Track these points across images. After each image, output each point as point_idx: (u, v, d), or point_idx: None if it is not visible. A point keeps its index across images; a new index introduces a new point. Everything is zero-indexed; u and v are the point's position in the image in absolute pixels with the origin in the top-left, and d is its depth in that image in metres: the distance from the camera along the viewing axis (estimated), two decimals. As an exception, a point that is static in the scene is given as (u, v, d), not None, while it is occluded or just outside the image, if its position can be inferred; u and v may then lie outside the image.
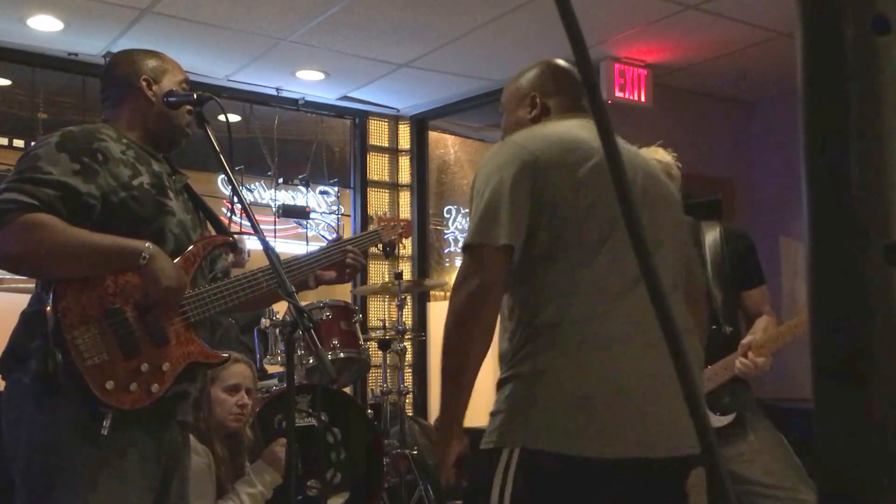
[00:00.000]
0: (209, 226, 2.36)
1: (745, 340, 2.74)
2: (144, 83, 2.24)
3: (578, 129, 1.94)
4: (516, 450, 1.77)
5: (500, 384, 1.86)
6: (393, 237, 2.74)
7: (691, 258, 2.10)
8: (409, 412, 5.98)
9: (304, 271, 2.36)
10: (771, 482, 2.64)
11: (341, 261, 2.43)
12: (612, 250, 1.82)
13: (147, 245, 2.03)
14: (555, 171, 1.85)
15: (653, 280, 0.59)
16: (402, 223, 2.79)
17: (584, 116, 2.03)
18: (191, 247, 2.18)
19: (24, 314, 2.09)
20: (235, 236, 2.46)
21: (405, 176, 6.95)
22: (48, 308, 1.96)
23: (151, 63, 2.28)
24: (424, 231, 6.90)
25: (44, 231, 1.96)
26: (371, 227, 2.76)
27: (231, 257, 2.51)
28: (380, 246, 2.74)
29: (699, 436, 0.60)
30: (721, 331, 2.81)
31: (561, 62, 2.18)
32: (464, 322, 1.80)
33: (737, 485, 2.63)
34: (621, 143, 2.02)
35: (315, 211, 6.57)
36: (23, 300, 2.17)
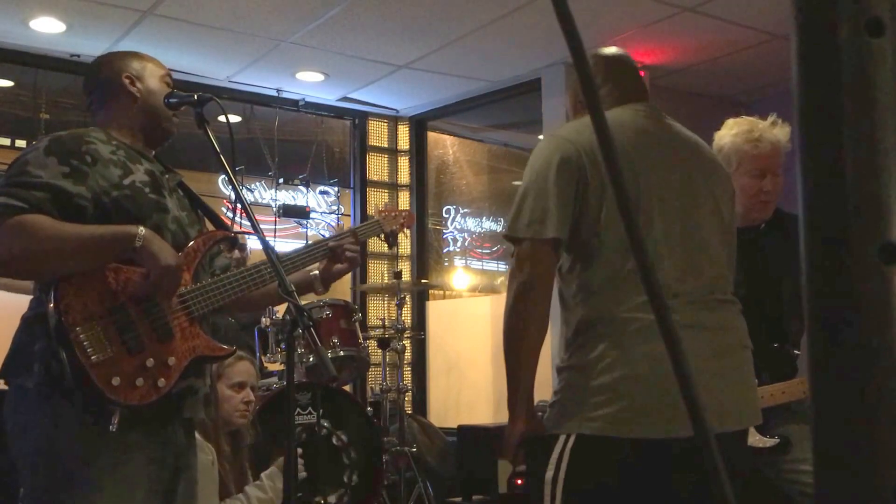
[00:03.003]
0: (207, 222, 2.35)
1: None
2: (127, 80, 2.24)
3: (624, 119, 1.99)
4: (572, 435, 1.84)
5: (559, 371, 1.95)
6: (394, 227, 2.73)
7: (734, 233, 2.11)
8: (409, 410, 6.01)
9: (298, 265, 2.34)
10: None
11: (339, 251, 2.40)
12: (654, 240, 1.89)
13: (140, 228, 2.01)
14: (597, 164, 1.90)
15: (647, 273, 0.60)
16: (403, 213, 2.76)
17: (636, 102, 2.08)
18: (191, 242, 2.18)
19: (24, 318, 2.07)
20: (236, 233, 2.46)
21: (404, 176, 6.97)
22: (50, 306, 1.94)
23: (131, 61, 2.29)
24: (424, 231, 6.93)
25: (34, 229, 1.95)
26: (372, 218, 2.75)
27: (236, 252, 2.51)
28: (382, 236, 2.73)
29: (693, 421, 0.61)
30: (787, 349, 2.67)
31: (610, 51, 2.20)
32: (516, 314, 1.91)
33: (802, 494, 2.57)
34: (679, 128, 2.08)
35: (315, 211, 6.58)
36: (22, 301, 2.16)
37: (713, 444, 0.62)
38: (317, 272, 2.43)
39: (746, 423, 2.00)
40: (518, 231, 1.92)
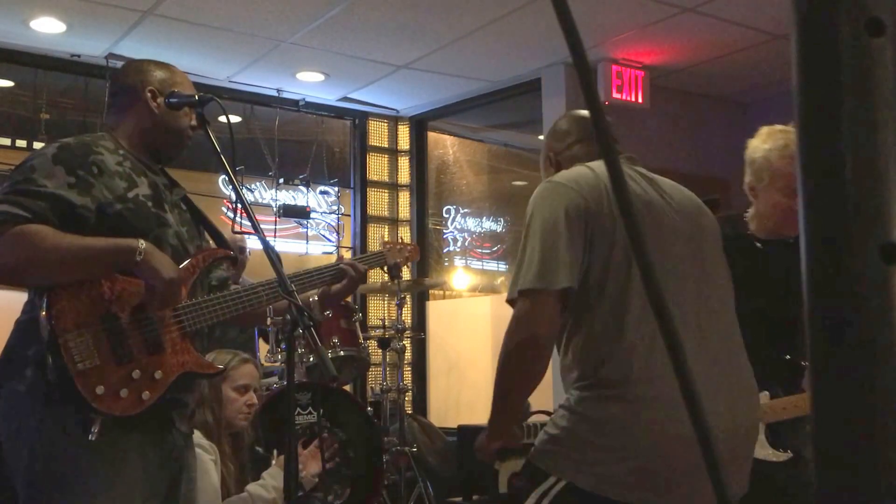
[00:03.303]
0: (209, 238, 2.35)
1: None
2: (150, 94, 2.21)
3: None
4: (563, 481, 1.82)
5: (564, 407, 1.91)
6: (398, 259, 2.74)
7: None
8: (409, 410, 6.01)
9: (300, 287, 2.33)
10: None
11: (341, 275, 2.43)
12: (667, 287, 1.86)
13: (141, 242, 2.01)
14: (600, 213, 1.87)
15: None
16: (408, 246, 2.78)
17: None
18: (191, 258, 2.17)
19: (18, 322, 2.07)
20: (236, 235, 2.46)
21: (404, 176, 6.97)
22: (43, 313, 1.94)
23: (160, 75, 2.26)
24: (424, 231, 6.93)
25: (36, 239, 1.95)
26: (375, 237, 2.78)
27: (231, 270, 2.51)
28: (385, 268, 2.74)
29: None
30: (797, 361, 2.62)
31: (582, 112, 2.22)
32: (513, 370, 1.88)
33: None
34: (661, 182, 2.06)
35: (315, 211, 6.59)
36: (16, 298, 2.16)
37: (714, 446, 0.62)
38: (315, 297, 2.45)
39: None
40: (527, 282, 1.84)
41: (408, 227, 6.91)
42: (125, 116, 2.25)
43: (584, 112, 2.20)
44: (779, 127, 2.66)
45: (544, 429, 1.92)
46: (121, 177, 2.11)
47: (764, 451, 2.48)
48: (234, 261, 2.38)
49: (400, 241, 3.00)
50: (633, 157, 2.13)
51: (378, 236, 6.74)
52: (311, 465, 3.25)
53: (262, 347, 4.53)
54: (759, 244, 2.73)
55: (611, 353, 1.84)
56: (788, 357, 2.58)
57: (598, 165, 1.96)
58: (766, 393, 2.50)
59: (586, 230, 1.86)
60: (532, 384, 1.89)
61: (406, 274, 6.51)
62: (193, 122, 2.27)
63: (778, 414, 2.48)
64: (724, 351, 1.96)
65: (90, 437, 1.92)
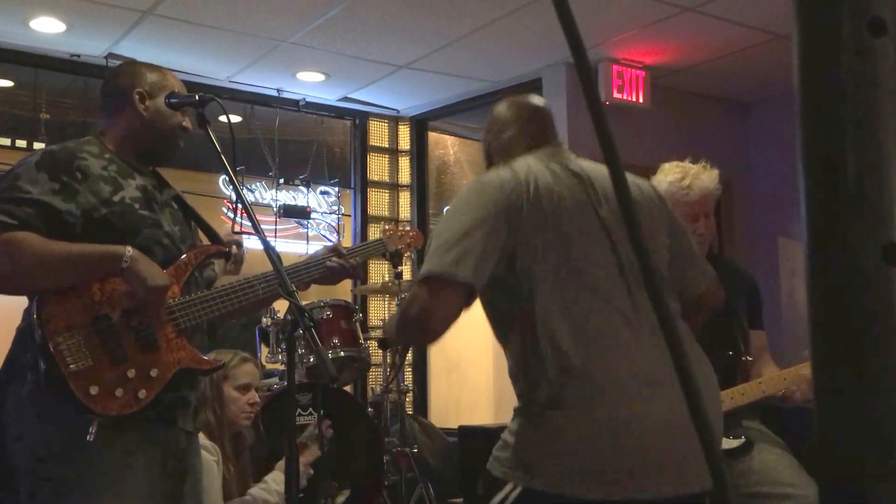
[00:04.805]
0: (202, 235, 2.35)
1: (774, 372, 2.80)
2: (137, 96, 2.22)
3: (540, 171, 1.92)
4: (518, 487, 1.81)
5: (515, 413, 1.90)
6: (399, 246, 2.70)
7: (685, 272, 2.05)
8: (410, 410, 6.01)
9: (295, 281, 2.31)
10: (781, 488, 2.68)
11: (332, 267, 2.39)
12: (597, 284, 1.84)
13: (128, 249, 2.02)
14: (525, 210, 1.84)
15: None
16: (410, 232, 2.74)
17: (547, 152, 2.00)
18: (183, 255, 2.18)
19: (18, 329, 2.08)
20: (235, 235, 2.46)
21: (405, 176, 6.97)
22: (34, 317, 1.96)
23: (151, 77, 2.26)
24: (424, 231, 6.93)
25: (22, 247, 1.96)
26: (376, 236, 2.70)
27: (229, 266, 2.49)
28: (387, 255, 2.70)
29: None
30: (741, 356, 2.86)
31: (519, 99, 2.16)
32: (402, 337, 1.96)
33: (747, 496, 2.68)
34: (585, 162, 2.00)
35: (316, 211, 6.59)
36: (16, 305, 2.15)
37: (719, 454, 0.62)
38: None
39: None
40: (431, 267, 1.84)
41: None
42: (115, 119, 2.25)
43: (524, 99, 2.14)
44: (675, 163, 2.98)
45: (501, 436, 1.91)
46: (105, 181, 2.11)
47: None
48: (227, 256, 2.38)
49: (401, 226, 2.95)
50: (560, 146, 2.06)
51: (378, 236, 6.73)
52: (305, 453, 3.24)
53: (263, 348, 4.53)
54: None
55: (548, 354, 1.82)
56: (731, 353, 2.82)
57: (521, 165, 1.93)
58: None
59: (508, 226, 1.83)
60: (418, 347, 1.99)
61: (407, 274, 6.51)
62: (185, 123, 2.27)
63: (725, 404, 2.69)
64: (661, 344, 1.92)
65: (88, 438, 1.93)
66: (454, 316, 1.86)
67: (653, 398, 1.77)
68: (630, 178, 2.02)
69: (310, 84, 6.13)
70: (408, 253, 2.71)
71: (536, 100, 2.17)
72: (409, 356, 6.36)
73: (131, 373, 2.01)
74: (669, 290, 1.99)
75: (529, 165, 1.93)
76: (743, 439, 2.74)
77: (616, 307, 1.84)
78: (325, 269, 2.40)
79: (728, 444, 2.74)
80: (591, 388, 1.79)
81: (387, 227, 2.74)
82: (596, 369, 1.79)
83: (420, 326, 1.85)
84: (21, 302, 2.10)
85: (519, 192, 1.87)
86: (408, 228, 2.79)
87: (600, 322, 1.82)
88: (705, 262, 2.15)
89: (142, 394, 2.01)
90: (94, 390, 1.94)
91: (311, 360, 4.17)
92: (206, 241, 2.37)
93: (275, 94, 6.26)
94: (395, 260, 2.68)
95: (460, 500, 5.11)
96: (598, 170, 1.99)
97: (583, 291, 1.84)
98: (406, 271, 6.60)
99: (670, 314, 0.62)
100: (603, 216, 1.91)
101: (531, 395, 1.85)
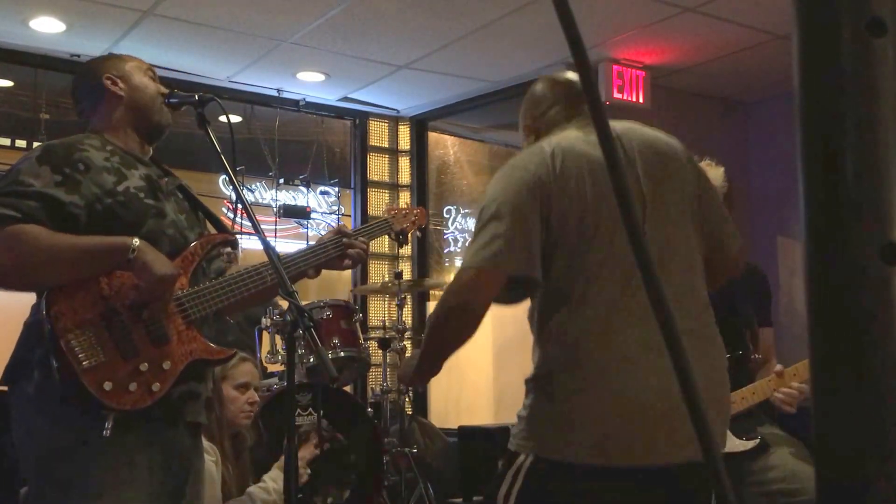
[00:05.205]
0: (208, 225, 2.34)
1: (779, 368, 2.79)
2: (108, 81, 2.24)
3: (575, 140, 1.95)
4: (530, 456, 1.85)
5: (527, 388, 1.94)
6: (405, 225, 2.68)
7: (721, 229, 2.05)
8: (409, 411, 6.01)
9: (302, 266, 2.32)
10: (796, 486, 2.68)
11: (342, 252, 2.37)
12: (614, 249, 1.85)
13: (134, 240, 2.01)
14: (558, 190, 1.86)
15: (659, 299, 0.60)
16: (415, 211, 2.72)
17: (584, 121, 2.03)
18: (190, 245, 2.17)
19: (25, 324, 2.07)
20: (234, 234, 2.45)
21: (405, 176, 6.97)
22: (43, 314, 1.94)
23: (111, 63, 2.30)
24: (424, 231, 6.92)
25: (28, 240, 1.95)
26: (382, 216, 2.67)
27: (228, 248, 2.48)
28: (392, 235, 2.68)
29: (700, 441, 0.60)
30: (750, 356, 2.87)
31: (555, 75, 2.20)
32: (443, 336, 1.93)
33: (765, 494, 2.69)
34: (618, 124, 2.01)
35: (315, 211, 6.59)
36: (17, 299, 2.16)
37: (718, 454, 0.62)
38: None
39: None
40: (474, 260, 1.85)
41: (408, 227, 6.91)
42: (100, 112, 2.26)
43: (560, 74, 2.18)
44: None
45: (517, 413, 1.95)
46: (109, 171, 2.11)
47: (731, 443, 2.70)
48: (234, 244, 2.37)
49: (405, 205, 2.92)
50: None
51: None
52: (302, 451, 3.24)
53: (263, 348, 4.53)
54: None
55: (564, 326, 1.86)
56: (740, 353, 2.80)
57: (552, 139, 1.96)
58: None
59: (541, 211, 1.86)
60: (458, 347, 1.94)
61: (406, 274, 6.51)
62: (162, 89, 2.29)
63: (737, 405, 2.69)
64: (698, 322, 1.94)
65: (104, 433, 1.92)
66: (488, 304, 1.89)
67: (659, 367, 1.79)
68: (662, 135, 2.06)
69: (310, 84, 6.13)
70: (413, 230, 2.69)
71: (570, 74, 2.21)
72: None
73: (144, 366, 2.00)
74: (693, 261, 1.98)
75: (562, 136, 1.96)
76: (758, 440, 2.75)
77: (630, 274, 1.85)
78: (333, 251, 2.37)
79: (743, 445, 2.74)
80: (601, 357, 1.82)
81: (391, 206, 2.71)
82: (605, 340, 1.83)
83: (462, 317, 1.88)
84: (22, 298, 2.09)
85: (545, 165, 1.89)
86: (412, 207, 2.78)
87: (614, 290, 1.85)
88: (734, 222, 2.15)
89: (156, 387, 2.00)
90: (108, 386, 1.93)
91: (311, 360, 4.17)
92: (212, 230, 2.36)
93: (275, 94, 6.26)
94: (400, 238, 2.67)
95: (460, 500, 5.11)
96: (631, 130, 2.02)
97: (597, 255, 1.86)
98: (406, 272, 6.60)
99: (663, 296, 0.61)
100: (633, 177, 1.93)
101: (541, 365, 1.90)
